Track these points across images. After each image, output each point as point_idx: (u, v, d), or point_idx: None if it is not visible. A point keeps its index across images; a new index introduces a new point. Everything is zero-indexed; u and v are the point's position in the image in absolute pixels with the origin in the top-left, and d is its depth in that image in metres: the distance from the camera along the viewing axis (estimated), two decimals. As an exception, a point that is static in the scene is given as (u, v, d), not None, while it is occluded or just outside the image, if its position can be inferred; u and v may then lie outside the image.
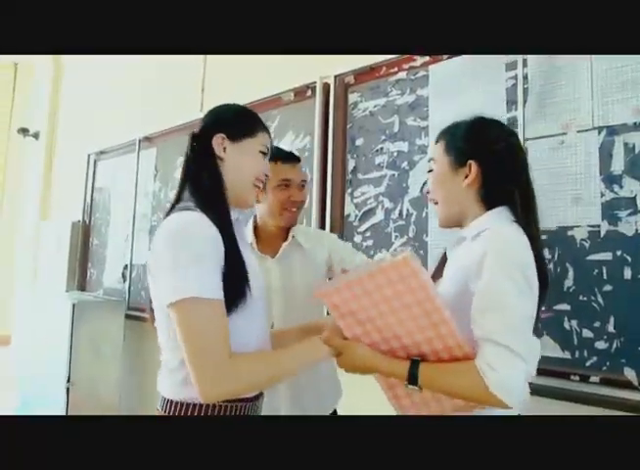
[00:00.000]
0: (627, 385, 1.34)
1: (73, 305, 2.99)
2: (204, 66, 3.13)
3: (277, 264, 1.51)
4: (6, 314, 5.44)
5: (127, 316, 3.22)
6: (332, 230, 2.11)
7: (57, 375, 2.98)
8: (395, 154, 1.97)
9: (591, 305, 1.42)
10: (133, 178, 3.47)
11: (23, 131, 5.24)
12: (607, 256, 1.40)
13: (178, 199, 1.04)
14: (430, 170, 1.09)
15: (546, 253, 1.48)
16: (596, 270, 1.41)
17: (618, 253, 1.38)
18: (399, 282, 0.90)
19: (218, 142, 1.03)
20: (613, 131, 1.42)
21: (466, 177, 1.01)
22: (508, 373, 0.84)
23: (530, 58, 1.61)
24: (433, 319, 0.91)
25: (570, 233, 1.47)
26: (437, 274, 1.10)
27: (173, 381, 0.96)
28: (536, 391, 1.43)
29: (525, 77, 1.61)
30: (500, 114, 1.64)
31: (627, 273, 1.36)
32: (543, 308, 1.35)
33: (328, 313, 1.87)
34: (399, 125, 1.97)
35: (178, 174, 1.08)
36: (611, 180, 1.41)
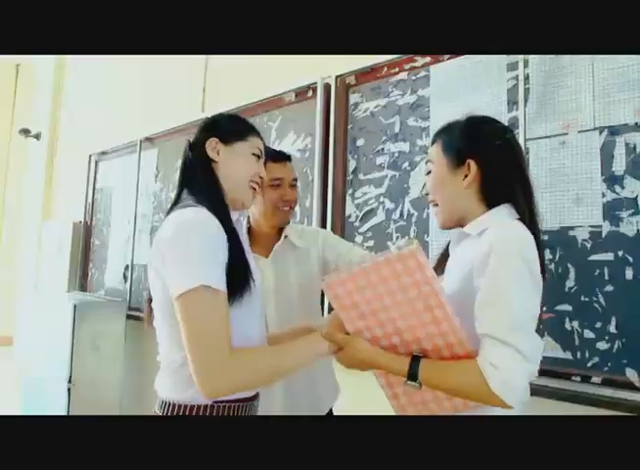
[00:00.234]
0: (629, 385, 1.34)
1: (75, 306, 2.99)
2: (205, 66, 3.13)
3: (270, 264, 1.50)
4: (8, 315, 5.45)
5: (128, 317, 3.22)
6: (333, 231, 2.11)
7: (58, 375, 2.99)
8: (396, 154, 1.97)
9: (592, 305, 1.41)
10: (134, 179, 3.48)
11: (25, 132, 5.25)
12: (608, 256, 1.40)
13: (177, 200, 1.07)
14: (428, 172, 1.08)
15: (547, 253, 1.48)
16: (597, 271, 1.41)
17: (620, 253, 1.38)
18: (404, 274, 0.90)
19: (212, 146, 1.08)
20: (614, 131, 1.42)
21: (465, 177, 1.00)
22: (511, 372, 0.83)
23: (532, 58, 1.60)
24: (435, 315, 0.90)
25: (571, 233, 1.47)
26: (437, 271, 1.10)
27: (177, 379, 0.96)
28: (537, 391, 1.43)
29: (527, 78, 1.61)
30: (501, 114, 1.65)
31: (629, 274, 1.36)
32: (544, 309, 1.35)
33: (326, 313, 1.88)
34: (400, 126, 1.97)
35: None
36: (612, 180, 1.41)
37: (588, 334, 1.42)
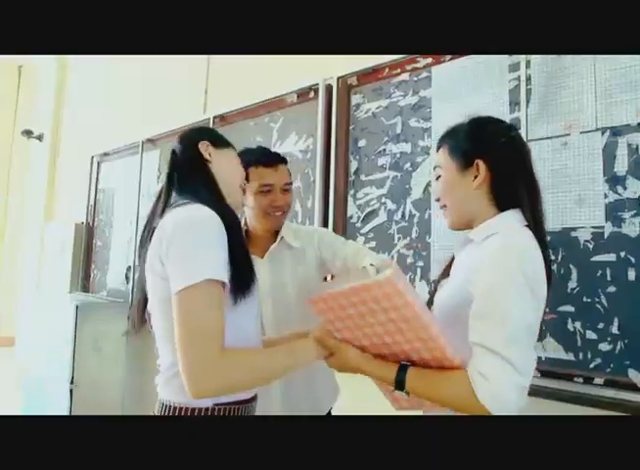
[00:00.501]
0: (631, 387, 1.33)
1: (77, 307, 3.00)
2: (207, 68, 3.14)
3: (266, 265, 1.49)
4: (10, 316, 5.46)
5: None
6: (335, 232, 2.11)
7: (60, 376, 2.99)
8: (398, 155, 1.97)
9: (595, 306, 1.41)
10: (136, 180, 3.48)
11: (28, 133, 5.26)
12: (610, 257, 1.40)
13: (167, 202, 1.06)
14: (437, 178, 1.07)
15: (550, 254, 1.48)
16: (600, 271, 1.41)
17: (622, 254, 1.38)
18: (384, 299, 0.88)
19: (204, 147, 1.10)
20: (616, 132, 1.42)
21: (475, 178, 1.00)
22: (501, 384, 0.82)
23: (534, 59, 1.60)
24: (420, 334, 0.89)
25: (573, 234, 1.47)
26: (445, 274, 1.09)
27: (177, 382, 0.95)
28: (539, 392, 1.43)
29: (529, 78, 1.61)
30: (503, 115, 1.64)
31: (631, 274, 1.35)
32: (547, 310, 1.34)
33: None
34: (402, 127, 1.97)
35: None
36: (614, 181, 1.41)
37: (590, 335, 1.42)
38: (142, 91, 3.76)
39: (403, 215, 1.93)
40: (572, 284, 1.46)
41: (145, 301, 1.02)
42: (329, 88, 2.25)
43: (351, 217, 2.12)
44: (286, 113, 2.48)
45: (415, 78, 1.94)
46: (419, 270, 1.86)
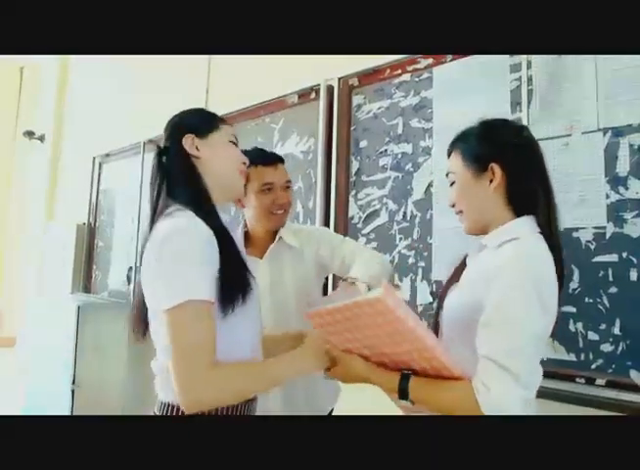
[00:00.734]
0: (633, 387, 1.33)
1: (79, 308, 3.00)
2: (208, 68, 3.14)
3: (265, 265, 1.50)
4: (12, 316, 5.46)
5: (132, 318, 3.22)
6: (336, 232, 2.11)
7: (62, 377, 2.99)
8: (399, 156, 1.97)
9: (597, 307, 1.41)
10: (138, 181, 3.48)
11: (29, 134, 5.27)
12: (612, 257, 1.39)
13: (156, 208, 1.02)
14: (451, 184, 1.06)
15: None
16: (601, 272, 1.41)
17: (624, 254, 1.37)
18: (377, 315, 0.89)
19: (189, 142, 1.04)
20: (618, 133, 1.41)
21: (491, 181, 0.99)
22: (504, 397, 0.82)
23: (535, 60, 1.60)
24: (416, 346, 0.90)
25: (575, 235, 1.47)
26: (454, 279, 1.08)
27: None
28: (542, 393, 1.42)
29: (530, 79, 1.61)
30: (504, 115, 1.63)
31: (633, 275, 1.35)
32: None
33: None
34: (403, 127, 1.97)
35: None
36: (616, 182, 1.40)
37: (592, 336, 1.41)
38: (143, 92, 3.77)
39: (405, 216, 1.93)
40: (574, 285, 1.45)
41: (144, 307, 1.01)
42: (330, 89, 2.25)
43: (353, 218, 2.12)
44: (287, 113, 2.48)
45: (416, 79, 1.94)
46: (420, 271, 1.86)
